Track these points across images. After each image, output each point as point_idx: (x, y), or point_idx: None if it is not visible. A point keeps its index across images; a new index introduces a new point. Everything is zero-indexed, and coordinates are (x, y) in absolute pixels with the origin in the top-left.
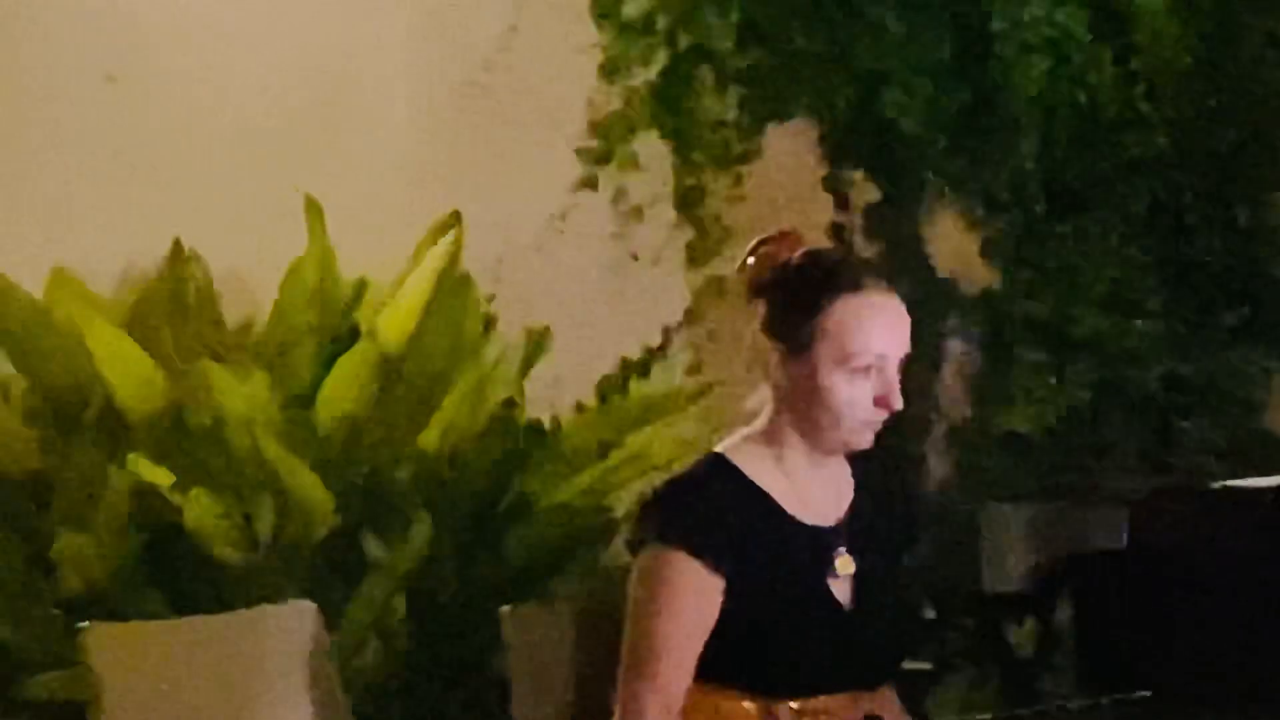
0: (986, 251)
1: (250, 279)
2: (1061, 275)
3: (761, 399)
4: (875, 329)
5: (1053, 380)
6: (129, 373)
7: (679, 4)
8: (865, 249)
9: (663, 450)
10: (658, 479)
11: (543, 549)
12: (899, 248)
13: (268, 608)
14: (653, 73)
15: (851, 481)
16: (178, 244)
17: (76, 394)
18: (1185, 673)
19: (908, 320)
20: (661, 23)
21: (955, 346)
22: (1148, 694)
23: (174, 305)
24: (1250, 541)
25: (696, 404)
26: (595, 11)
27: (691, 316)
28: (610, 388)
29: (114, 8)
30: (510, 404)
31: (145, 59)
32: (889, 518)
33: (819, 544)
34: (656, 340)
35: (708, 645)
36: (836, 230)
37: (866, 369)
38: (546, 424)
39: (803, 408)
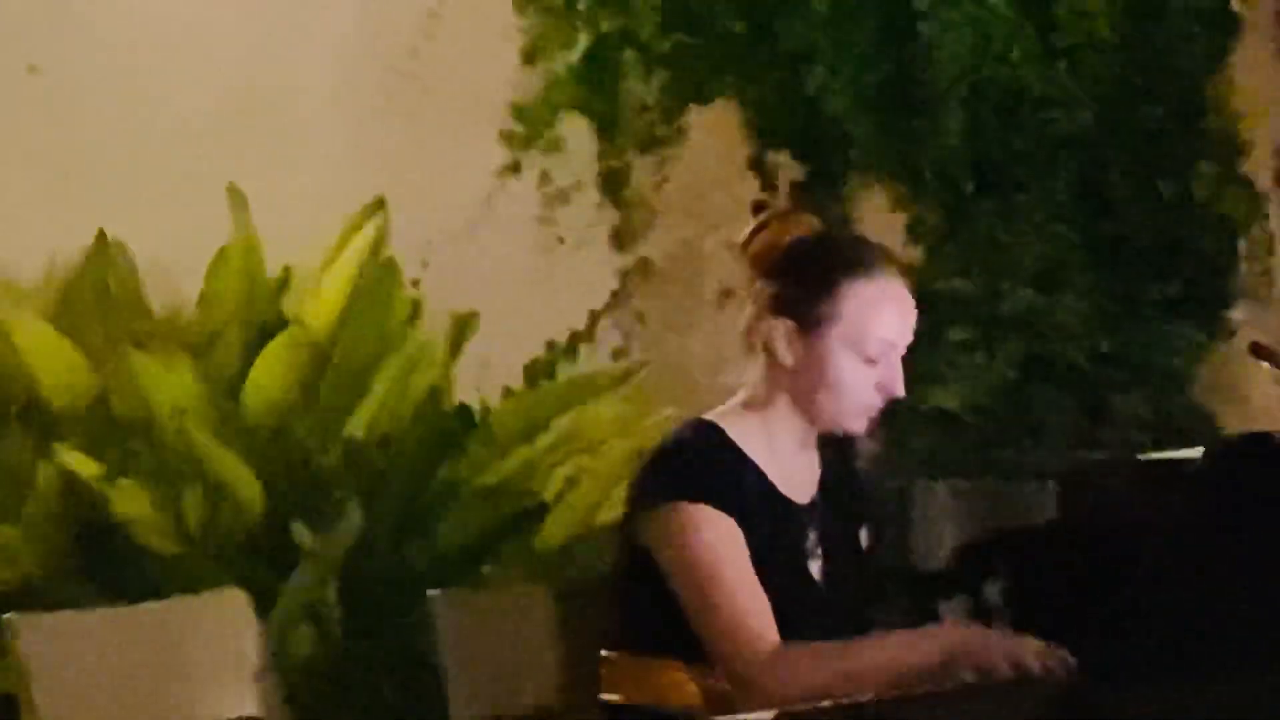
0: (913, 230)
1: (176, 268)
2: (989, 253)
3: (749, 376)
4: (889, 316)
5: (982, 357)
6: (55, 364)
7: None
8: None
9: (591, 432)
10: (586, 461)
11: (473, 533)
12: (825, 227)
13: (198, 596)
14: (575, 56)
15: (818, 463)
16: (102, 234)
17: (2, 387)
18: (1116, 645)
19: (915, 310)
20: (583, 5)
21: None
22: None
23: (99, 296)
24: (1177, 512)
25: (624, 386)
26: None
27: (618, 299)
28: (538, 371)
29: None
30: (438, 389)
31: (68, 49)
32: (850, 500)
33: (798, 519)
34: (583, 323)
35: (670, 618)
36: (758, 210)
37: (875, 358)
38: (475, 408)
39: (806, 386)
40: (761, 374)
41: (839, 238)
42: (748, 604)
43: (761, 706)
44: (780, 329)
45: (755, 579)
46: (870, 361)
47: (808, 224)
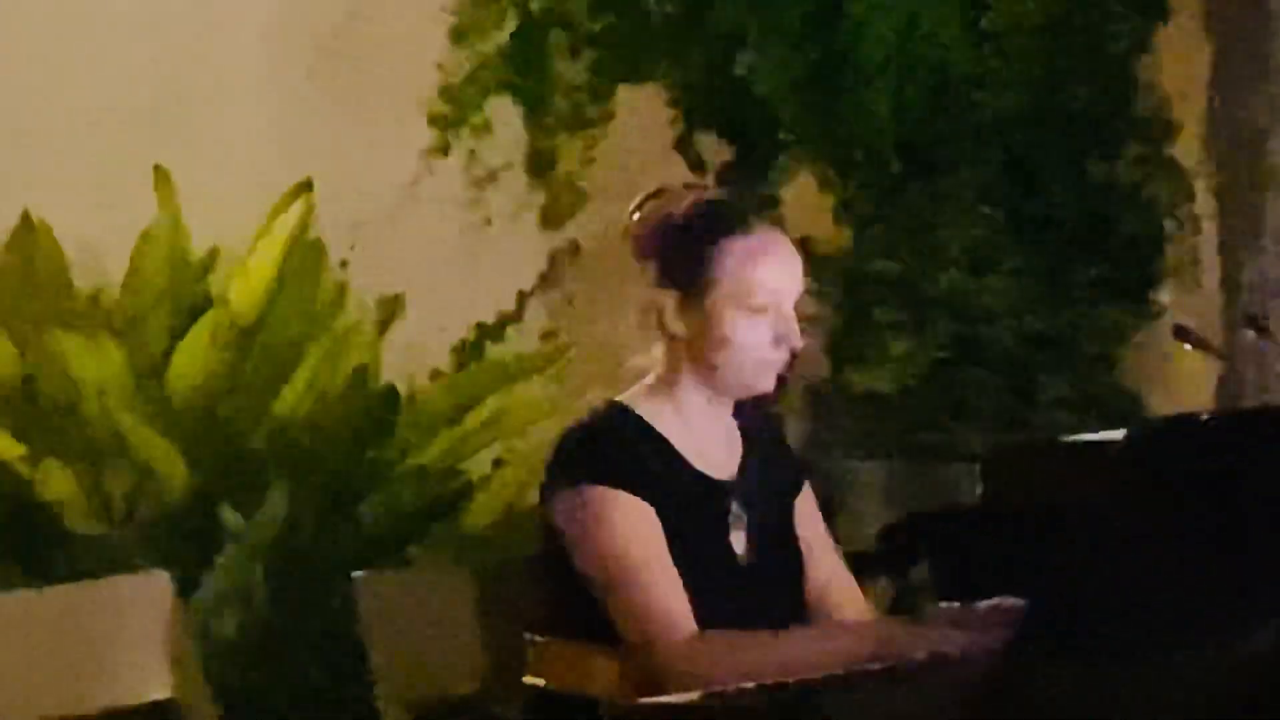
0: (841, 212)
1: (102, 249)
2: (917, 234)
3: (651, 358)
4: (769, 267)
5: (909, 339)
6: None
7: None
8: None
9: (519, 414)
10: (514, 443)
11: (400, 515)
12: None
13: (121, 578)
14: (503, 36)
15: (740, 437)
16: (27, 215)
17: None
18: (1040, 627)
19: (799, 258)
20: None
21: (811, 306)
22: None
23: (24, 276)
24: (1101, 494)
25: (552, 367)
26: None
27: (546, 280)
28: (466, 352)
29: None
30: (365, 370)
31: None
32: (776, 472)
33: (717, 495)
34: (511, 304)
35: (592, 602)
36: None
37: (763, 309)
38: (402, 390)
39: (701, 353)
40: (662, 351)
41: (709, 202)
42: (661, 589)
43: (676, 694)
44: (668, 302)
45: (669, 564)
46: (759, 314)
47: (680, 199)
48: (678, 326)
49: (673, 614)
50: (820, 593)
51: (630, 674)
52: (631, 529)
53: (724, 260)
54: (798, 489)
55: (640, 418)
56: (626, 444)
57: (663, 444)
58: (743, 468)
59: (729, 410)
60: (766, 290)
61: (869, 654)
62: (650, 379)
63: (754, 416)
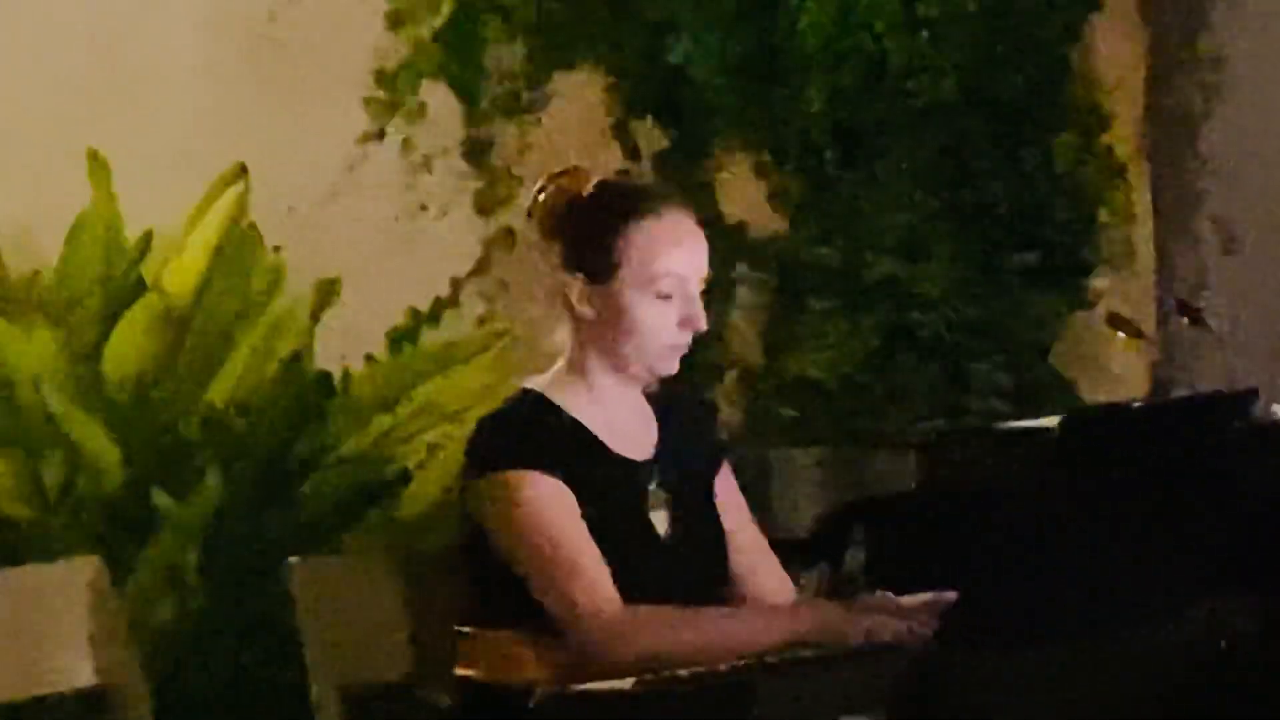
0: (776, 199)
1: (35, 234)
2: (851, 221)
3: (561, 338)
4: (674, 251)
5: (844, 326)
6: None
7: None
8: None
9: (454, 400)
10: (449, 429)
11: (334, 501)
12: (689, 196)
13: (55, 564)
14: (440, 22)
15: (654, 419)
16: None
17: None
18: (974, 613)
19: (704, 240)
20: None
21: (746, 294)
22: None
23: None
24: (1034, 481)
25: (487, 353)
26: None
27: (482, 266)
28: (401, 338)
29: None
30: (299, 356)
31: None
32: (696, 452)
33: (635, 476)
34: (446, 291)
35: (517, 591)
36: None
37: (669, 293)
38: (337, 375)
39: (608, 337)
40: (571, 335)
41: (616, 185)
42: (584, 566)
43: (608, 670)
44: (574, 285)
45: (590, 541)
46: (664, 298)
47: (586, 180)
48: (584, 310)
49: (598, 589)
50: (740, 571)
51: (559, 656)
52: (550, 508)
53: (630, 244)
54: (717, 467)
55: (553, 403)
56: (541, 428)
57: (577, 428)
58: (659, 447)
59: (640, 390)
60: (672, 275)
61: (804, 636)
62: (561, 364)
63: (667, 395)
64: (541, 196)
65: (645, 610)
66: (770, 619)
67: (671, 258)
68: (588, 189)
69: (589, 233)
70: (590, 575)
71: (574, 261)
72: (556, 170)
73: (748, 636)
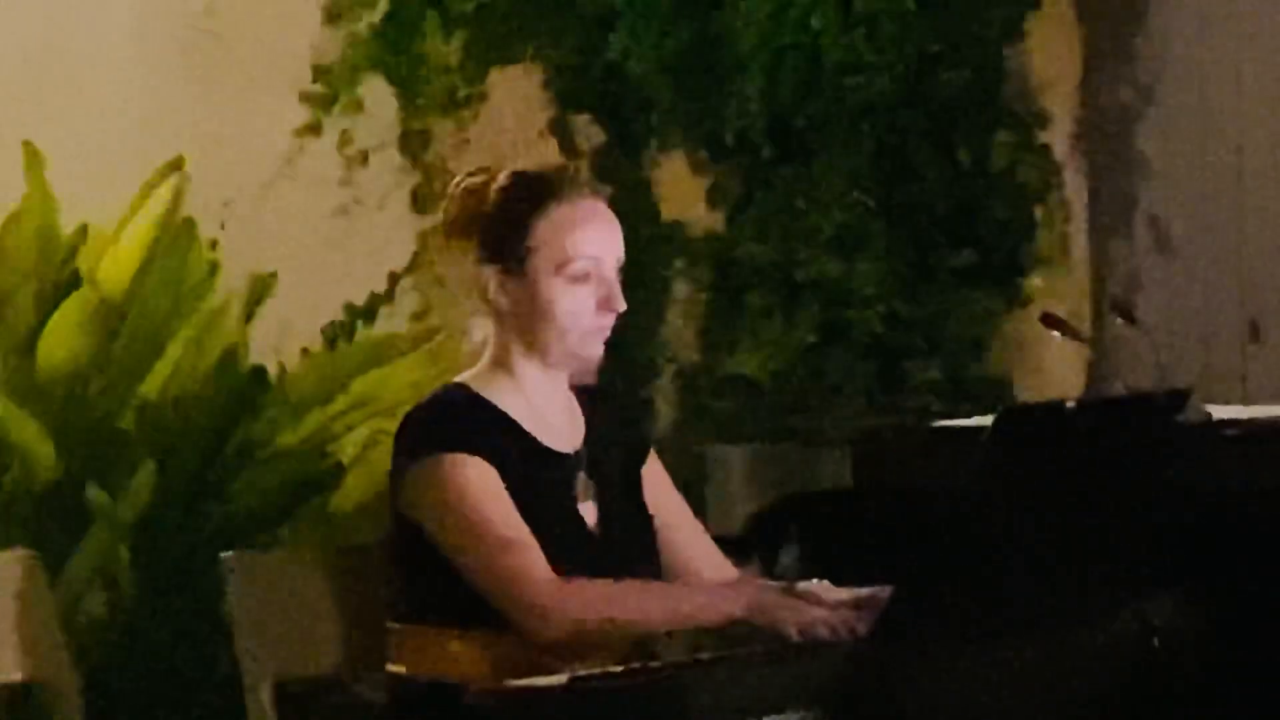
0: (713, 195)
1: None
2: (787, 219)
3: (482, 336)
4: (586, 233)
5: (779, 323)
6: None
7: None
8: None
9: (389, 395)
10: (384, 424)
11: (269, 495)
12: (625, 192)
13: None
14: (377, 16)
15: (581, 412)
16: None
17: None
18: (908, 611)
19: (617, 223)
20: None
21: (682, 290)
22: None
23: None
24: (968, 479)
25: (422, 348)
26: None
27: (417, 261)
28: (336, 333)
29: None
30: (234, 350)
31: None
32: (623, 444)
33: (562, 467)
34: (383, 285)
35: (447, 586)
36: (561, 172)
37: (585, 275)
38: (272, 370)
39: (527, 325)
40: (493, 328)
41: (522, 174)
42: (519, 543)
43: (552, 643)
44: (490, 277)
45: (519, 518)
46: (579, 281)
47: (498, 174)
48: (502, 301)
49: (534, 565)
50: (676, 558)
51: (493, 652)
52: (481, 489)
53: (540, 229)
54: (644, 457)
55: (480, 395)
56: (466, 415)
57: (504, 419)
58: (586, 438)
59: (565, 382)
60: (586, 256)
61: (741, 614)
62: (485, 358)
63: (594, 387)
64: (454, 196)
65: (582, 583)
66: (709, 595)
67: (582, 239)
68: (500, 181)
69: (501, 221)
70: (525, 552)
71: (488, 253)
72: (469, 170)
73: (686, 610)
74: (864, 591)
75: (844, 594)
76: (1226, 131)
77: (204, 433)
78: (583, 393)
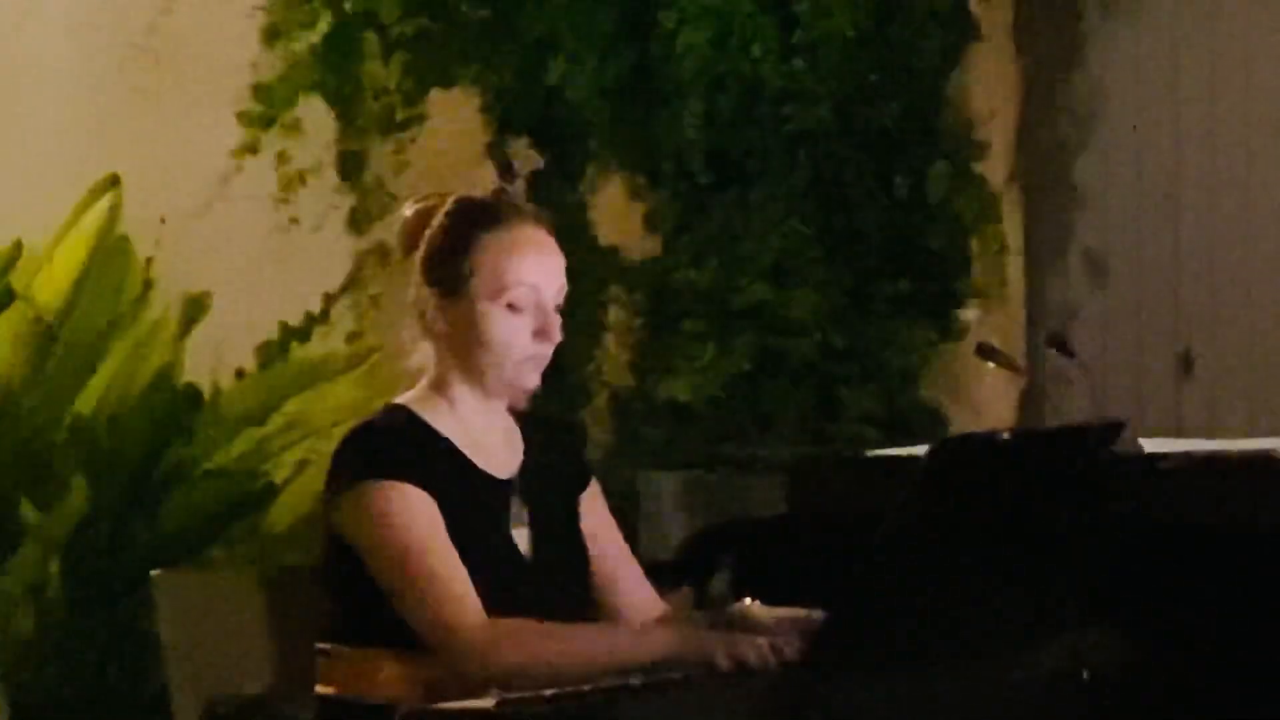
0: (650, 221)
1: None
2: (724, 245)
3: (425, 356)
4: (525, 260)
5: (714, 350)
6: None
7: None
8: None
9: (323, 415)
10: (317, 444)
11: (201, 514)
12: (562, 216)
13: None
14: (316, 37)
15: (520, 437)
16: None
17: None
18: (840, 639)
19: (559, 253)
20: None
21: (617, 315)
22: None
23: None
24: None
25: (357, 369)
26: None
27: (353, 282)
28: (271, 353)
29: None
30: (168, 369)
31: None
32: (560, 472)
33: (499, 493)
34: (318, 306)
35: (379, 608)
36: (499, 195)
37: (522, 303)
38: (205, 389)
39: (464, 351)
40: (432, 351)
41: (466, 200)
42: (450, 578)
43: (475, 682)
44: (430, 300)
45: (455, 554)
46: (516, 310)
47: (443, 201)
48: (440, 325)
49: (464, 602)
50: (608, 588)
51: (422, 674)
52: (415, 520)
53: (480, 255)
54: (582, 485)
55: (419, 417)
56: (406, 441)
57: (443, 443)
58: (524, 465)
59: (504, 407)
60: (524, 284)
61: (671, 654)
62: (425, 381)
63: (533, 414)
64: (404, 222)
65: (512, 623)
66: (638, 636)
67: (522, 267)
68: (445, 207)
69: (442, 247)
70: (456, 587)
71: (430, 277)
72: (421, 195)
73: (616, 652)
74: (796, 613)
75: (774, 613)
76: (1163, 165)
77: (137, 451)
78: (522, 419)
